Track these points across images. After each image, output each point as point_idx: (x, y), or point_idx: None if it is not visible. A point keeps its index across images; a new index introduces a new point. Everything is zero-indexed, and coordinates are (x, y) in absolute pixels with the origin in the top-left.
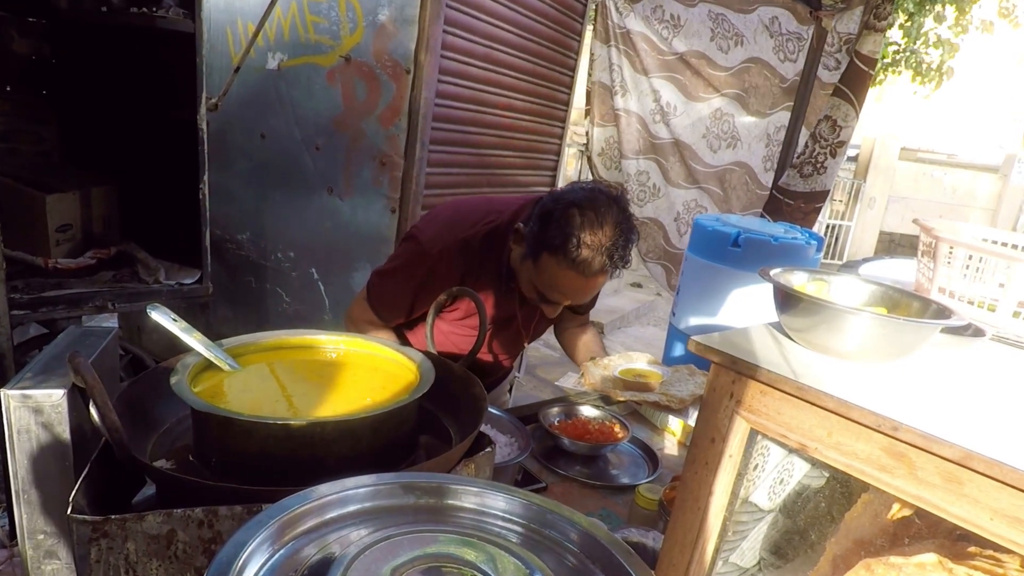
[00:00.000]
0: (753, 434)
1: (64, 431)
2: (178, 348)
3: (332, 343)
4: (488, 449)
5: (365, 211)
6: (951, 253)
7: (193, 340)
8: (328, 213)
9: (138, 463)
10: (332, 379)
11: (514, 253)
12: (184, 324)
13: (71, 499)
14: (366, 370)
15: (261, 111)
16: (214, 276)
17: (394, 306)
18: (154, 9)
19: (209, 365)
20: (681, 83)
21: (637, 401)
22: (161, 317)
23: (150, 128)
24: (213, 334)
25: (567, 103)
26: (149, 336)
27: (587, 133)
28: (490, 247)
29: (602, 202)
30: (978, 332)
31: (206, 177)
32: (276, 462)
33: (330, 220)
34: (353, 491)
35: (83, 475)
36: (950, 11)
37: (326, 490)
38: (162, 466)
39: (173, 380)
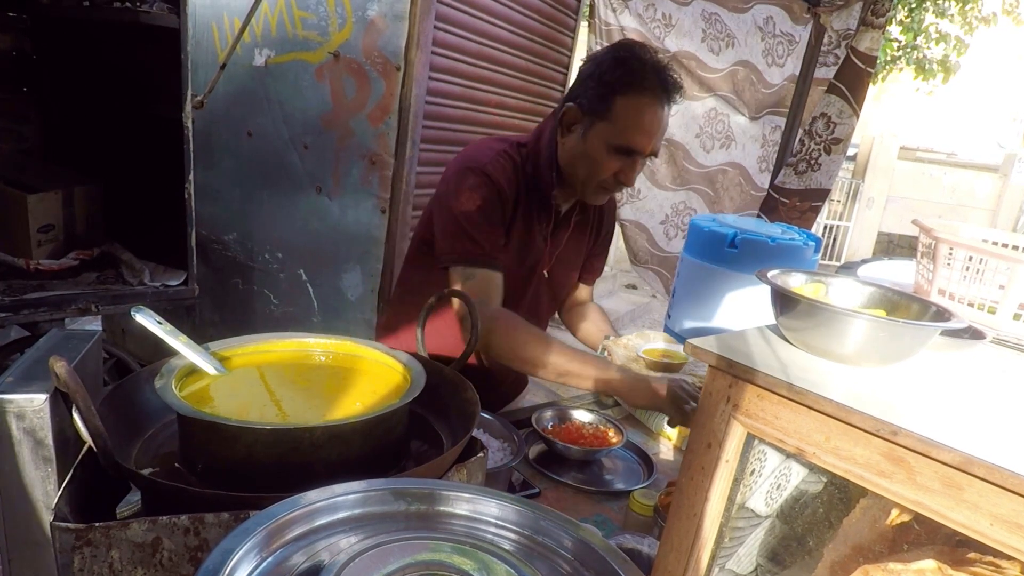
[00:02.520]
0: (750, 439)
1: (46, 437)
2: (164, 351)
3: (321, 346)
4: (480, 454)
5: (355, 211)
6: (951, 254)
7: (179, 343)
8: (317, 213)
9: (122, 469)
10: (321, 383)
11: (565, 147)
12: (170, 327)
13: (54, 506)
14: (356, 374)
15: (248, 109)
16: (200, 278)
17: (499, 247)
18: (138, 4)
19: (195, 369)
20: (690, 76)
21: None
22: (146, 320)
23: (134, 126)
24: (199, 337)
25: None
26: (134, 339)
27: None
28: (518, 165)
29: (634, 42)
30: (978, 335)
31: (191, 176)
32: (264, 468)
33: (319, 220)
34: (343, 497)
35: (66, 482)
36: (954, 7)
37: (315, 496)
38: (147, 472)
39: (158, 384)
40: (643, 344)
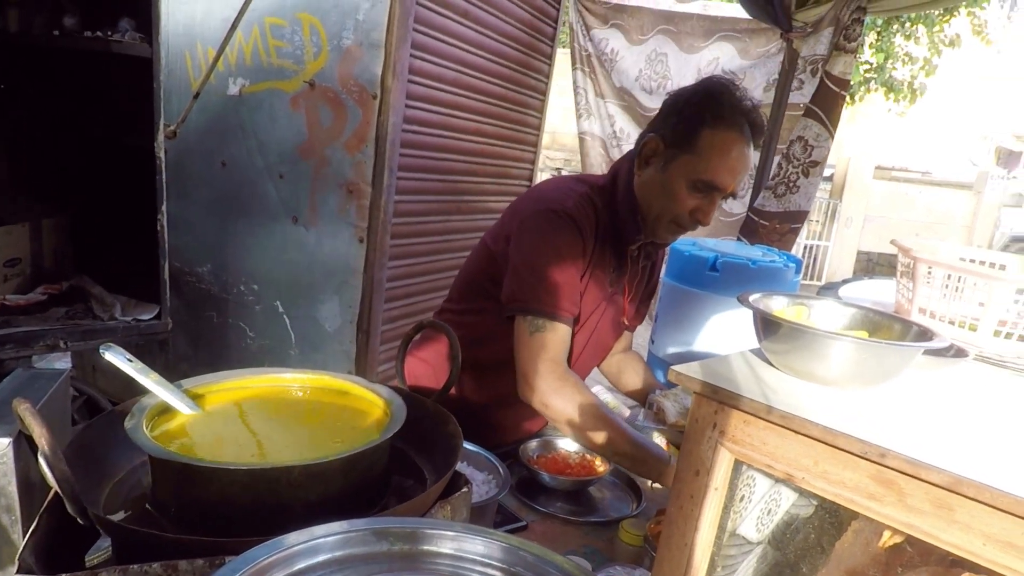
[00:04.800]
0: (738, 465)
1: (10, 483)
2: (136, 388)
3: (298, 381)
4: (464, 489)
5: (332, 241)
6: (930, 273)
7: (150, 381)
8: (293, 243)
9: (91, 515)
10: (299, 420)
11: (641, 179)
12: (140, 365)
13: (18, 557)
14: (334, 409)
15: (222, 138)
16: (173, 311)
17: (575, 300)
18: (109, 33)
19: (168, 408)
20: (633, 110)
21: None
22: (115, 358)
23: (105, 156)
24: (173, 372)
25: (538, 127)
26: (105, 376)
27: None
28: (598, 208)
29: (725, 79)
30: (960, 353)
31: (164, 207)
32: (240, 510)
33: (295, 251)
34: (323, 539)
35: (31, 530)
36: (922, 30)
37: (294, 539)
38: (117, 518)
39: (128, 424)
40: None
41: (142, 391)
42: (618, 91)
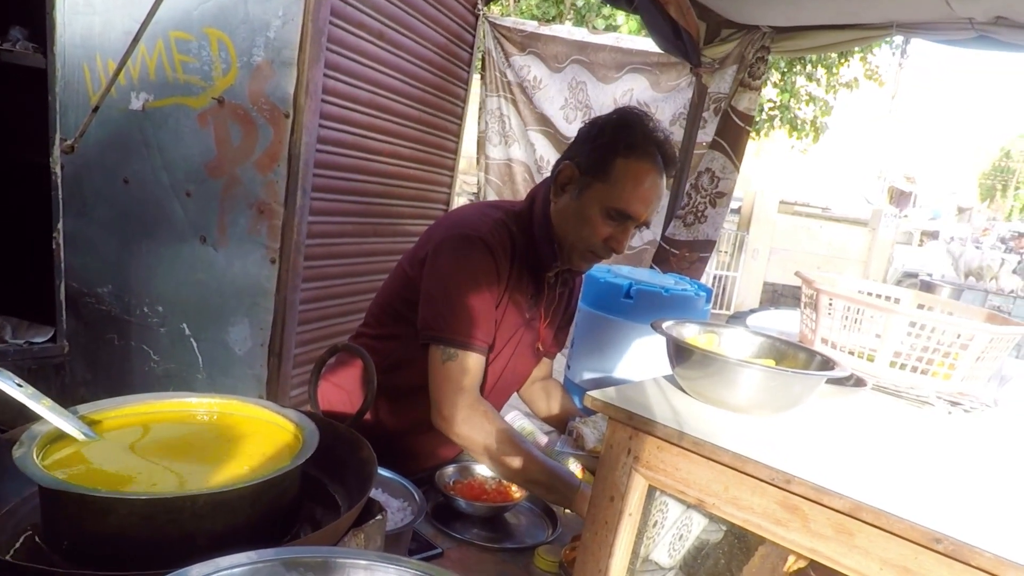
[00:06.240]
0: (651, 491)
1: None
2: (29, 415)
3: (204, 406)
4: (379, 517)
5: (242, 261)
6: (831, 305)
7: (42, 407)
8: (201, 264)
9: None
10: (204, 446)
11: (557, 207)
12: (32, 390)
13: None
14: (242, 434)
15: (124, 154)
16: (71, 334)
17: (489, 328)
18: None
19: (62, 435)
20: (555, 138)
21: None
22: (3, 383)
23: None
24: (70, 398)
25: (455, 151)
26: None
27: (478, 181)
28: (514, 234)
29: (638, 110)
30: (859, 382)
31: (60, 225)
32: (140, 543)
33: (203, 271)
34: (229, 571)
35: None
36: (821, 72)
37: (197, 572)
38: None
39: (17, 453)
40: None
41: (35, 418)
42: (539, 117)
